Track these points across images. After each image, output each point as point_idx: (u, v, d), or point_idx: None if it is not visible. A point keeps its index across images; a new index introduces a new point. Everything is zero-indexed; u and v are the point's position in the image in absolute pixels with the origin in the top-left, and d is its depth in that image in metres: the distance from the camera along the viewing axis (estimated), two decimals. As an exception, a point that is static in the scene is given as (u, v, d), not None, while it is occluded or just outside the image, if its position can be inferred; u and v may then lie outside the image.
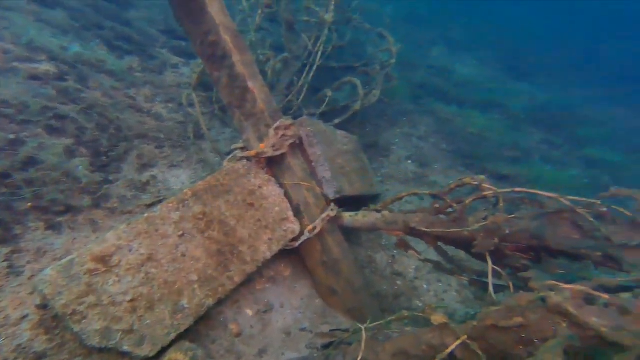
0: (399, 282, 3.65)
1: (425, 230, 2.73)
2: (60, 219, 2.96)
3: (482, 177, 2.54)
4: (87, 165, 3.42)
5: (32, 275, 2.44)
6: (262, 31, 6.52)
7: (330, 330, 2.72)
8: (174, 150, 4.25)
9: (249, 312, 2.84)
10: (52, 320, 2.20)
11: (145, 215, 2.59)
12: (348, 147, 4.12)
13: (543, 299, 1.65)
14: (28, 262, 2.54)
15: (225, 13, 3.16)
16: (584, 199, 2.19)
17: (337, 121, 4.87)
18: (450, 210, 2.83)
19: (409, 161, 5.45)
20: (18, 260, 2.51)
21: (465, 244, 2.65)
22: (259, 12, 4.50)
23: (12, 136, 3.21)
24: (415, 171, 5.24)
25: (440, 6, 16.06)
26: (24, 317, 2.19)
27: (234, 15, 7.58)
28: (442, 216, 2.84)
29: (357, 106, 4.80)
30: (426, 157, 5.57)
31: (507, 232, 2.41)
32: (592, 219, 2.07)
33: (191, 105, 4.51)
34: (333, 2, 4.62)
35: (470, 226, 2.47)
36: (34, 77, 3.89)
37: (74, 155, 3.44)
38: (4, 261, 2.45)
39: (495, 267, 2.42)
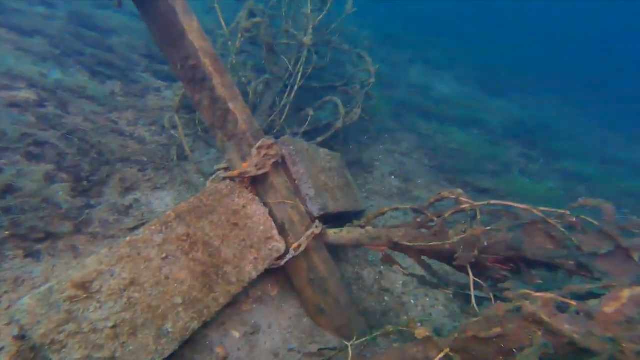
0: (386, 298, 3.67)
1: (408, 244, 2.78)
2: (39, 246, 2.90)
3: (460, 190, 2.63)
4: (67, 191, 3.38)
5: (9, 306, 2.37)
6: (243, 54, 6.66)
7: (319, 350, 2.70)
8: (157, 172, 4.23)
9: (236, 334, 2.80)
10: (30, 351, 2.14)
11: (128, 238, 2.57)
12: (331, 164, 4.19)
13: (519, 309, 1.70)
14: (5, 292, 2.47)
15: (205, 38, 3.24)
16: (555, 210, 2.29)
17: (319, 139, 4.96)
18: (431, 224, 2.90)
19: (393, 177, 5.55)
20: (-6, 290, 2.44)
21: (447, 257, 2.71)
22: (239, 36, 4.61)
23: (-11, 164, 3.17)
24: (399, 186, 5.34)
25: (416, 28, 16.72)
26: (0, 349, 2.11)
27: (215, 40, 7.74)
28: (424, 230, 2.90)
29: (339, 124, 4.91)
30: (409, 173, 5.68)
31: (486, 244, 2.48)
32: (563, 229, 2.16)
33: (174, 127, 4.53)
34: (311, 26, 4.77)
35: (451, 239, 2.53)
36: (13, 105, 3.86)
37: (54, 180, 3.40)
38: (-21, 292, 2.38)
39: (476, 279, 2.48)
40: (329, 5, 5.06)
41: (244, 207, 3.13)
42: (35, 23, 5.47)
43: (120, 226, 3.36)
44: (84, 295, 2.24)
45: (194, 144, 4.92)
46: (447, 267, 3.01)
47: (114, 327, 2.23)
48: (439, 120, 8.10)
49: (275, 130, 4.79)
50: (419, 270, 3.12)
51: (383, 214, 3.09)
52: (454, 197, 2.56)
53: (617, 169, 7.59)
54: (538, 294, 1.60)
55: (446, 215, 2.59)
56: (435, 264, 3.03)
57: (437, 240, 2.60)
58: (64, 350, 2.04)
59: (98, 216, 3.37)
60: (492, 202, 2.40)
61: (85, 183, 3.56)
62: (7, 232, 2.83)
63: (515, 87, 13.27)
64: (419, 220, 2.94)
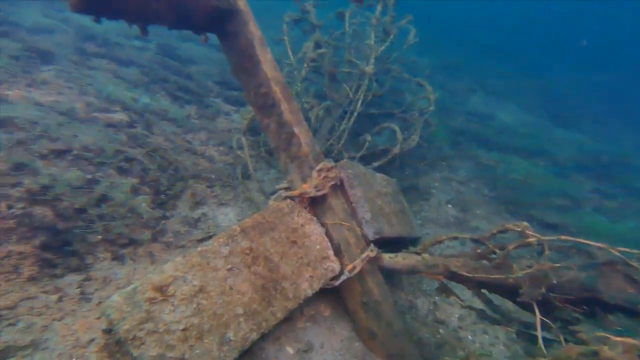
0: (441, 331, 3.54)
1: (467, 275, 2.71)
2: (123, 250, 3.26)
3: (525, 223, 2.54)
4: (148, 202, 3.79)
5: (99, 302, 2.69)
6: (306, 81, 7.05)
7: (370, 375, 2.68)
8: (223, 189, 4.57)
9: (290, 350, 2.88)
10: (114, 344, 2.39)
11: (199, 248, 2.81)
12: (387, 189, 4.23)
13: (595, 353, 1.60)
14: (96, 290, 2.81)
15: (276, 68, 3.53)
16: (637, 251, 2.12)
17: (376, 164, 5.04)
18: (492, 256, 2.80)
19: (449, 205, 5.42)
20: (88, 287, 2.79)
21: (510, 292, 2.59)
22: (305, 65, 4.93)
23: (89, 176, 3.67)
24: (456, 215, 5.19)
25: (477, 56, 16.42)
26: (91, 340, 2.40)
27: (281, 68, 8.29)
28: (484, 262, 2.81)
29: (396, 150, 4.96)
30: (467, 202, 5.51)
31: (555, 282, 2.35)
32: (646, 271, 2.00)
33: (240, 148, 4.89)
34: (373, 56, 4.96)
35: (515, 273, 2.43)
36: (110, 125, 4.46)
37: (138, 193, 3.83)
38: (77, 288, 2.74)
39: (543, 318, 2.34)
40: (392, 36, 5.23)
41: (302, 225, 3.27)
42: (131, 54, 6.32)
43: (189, 237, 3.67)
44: (161, 298, 2.48)
45: (256, 164, 5.25)
46: (509, 304, 2.87)
47: (184, 330, 2.42)
48: (500, 150, 7.78)
49: (333, 154, 4.96)
50: (478, 305, 3.00)
51: (441, 242, 3.05)
52: (519, 229, 2.47)
53: None
54: (619, 339, 1.50)
55: (510, 247, 2.50)
56: (496, 299, 2.90)
57: (500, 274, 2.51)
58: (142, 346, 2.26)
59: (171, 227, 3.71)
60: (563, 237, 2.28)
61: (162, 196, 3.96)
62: (99, 237, 3.23)
63: (587, 117, 12.36)
64: (479, 251, 2.86)
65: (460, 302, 2.87)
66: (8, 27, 5.58)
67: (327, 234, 3.33)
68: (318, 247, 3.21)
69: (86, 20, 6.91)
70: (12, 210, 2.96)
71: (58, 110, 4.20)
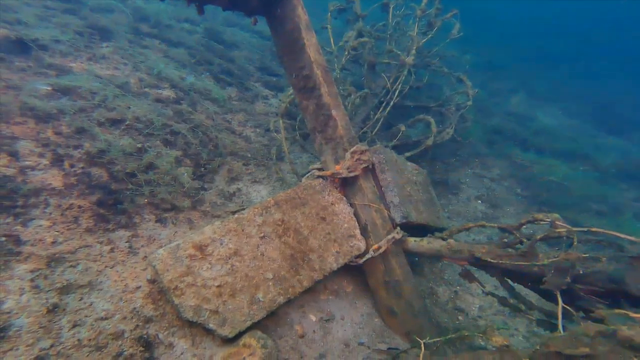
0: (460, 318, 3.60)
1: (492, 261, 2.75)
2: (166, 215, 3.54)
3: (556, 215, 2.55)
4: (189, 173, 4.06)
5: (145, 256, 2.96)
6: (344, 71, 7.14)
7: (388, 349, 2.80)
8: (258, 168, 4.79)
9: (313, 318, 3.05)
10: (158, 293, 2.66)
11: (236, 215, 3.03)
12: (417, 178, 4.29)
13: (614, 332, 1.64)
14: (142, 246, 3.10)
15: (320, 52, 3.67)
16: (671, 246, 2.10)
17: (408, 154, 5.08)
18: (519, 246, 2.83)
19: (479, 201, 5.38)
20: (135, 243, 3.07)
21: (534, 281, 2.62)
22: (346, 53, 5.03)
23: (139, 145, 3.98)
24: (485, 211, 5.16)
25: (523, 58, 15.79)
26: (138, 288, 2.67)
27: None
28: (510, 250, 2.84)
29: (429, 141, 4.98)
30: (498, 199, 5.44)
31: (581, 272, 2.37)
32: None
33: (277, 130, 5.09)
34: (415, 47, 4.98)
35: (541, 261, 2.46)
36: (159, 100, 4.78)
37: (181, 164, 4.11)
38: (126, 242, 3.03)
39: (566, 306, 2.36)
40: (435, 28, 5.22)
41: (332, 204, 3.42)
42: (180, 36, 6.67)
43: (225, 209, 3.91)
44: (200, 256, 2.72)
45: (290, 147, 5.44)
46: (531, 295, 2.89)
47: (219, 286, 2.65)
48: (538, 151, 7.57)
49: (366, 142, 5.06)
50: (500, 293, 3.04)
51: (468, 229, 3.10)
52: (548, 220, 2.49)
53: None
54: (638, 315, 1.54)
55: (538, 237, 2.53)
56: (520, 289, 2.93)
57: (525, 261, 2.54)
58: (182, 296, 2.50)
59: (209, 198, 3.97)
60: (594, 229, 2.29)
61: (202, 169, 4.22)
62: (146, 200, 3.52)
63: (636, 125, 11.66)
64: (505, 240, 2.90)
65: (482, 288, 2.92)
66: (74, 4, 6.04)
67: (356, 213, 3.46)
68: (346, 225, 3.35)
69: (141, 1, 7.34)
70: (74, 169, 3.30)
71: (114, 84, 4.55)
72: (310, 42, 3.59)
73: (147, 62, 5.46)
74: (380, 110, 5.17)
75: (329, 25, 5.28)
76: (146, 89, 4.88)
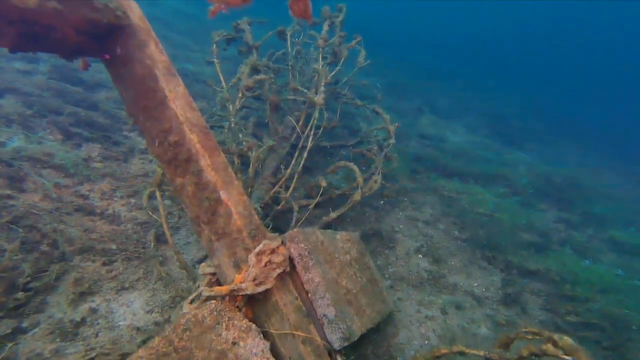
0: None
1: None
2: None
3: (570, 341, 1.69)
4: (-8, 310, 2.45)
5: None
6: (244, 109, 6.00)
7: None
8: (128, 264, 3.32)
9: None
10: None
11: None
12: (351, 254, 3.27)
13: None
14: None
15: (192, 107, 2.46)
16: None
17: (333, 215, 4.09)
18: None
19: (420, 255, 4.60)
20: None
21: None
22: (239, 95, 3.89)
23: None
24: (429, 269, 4.38)
25: (421, 74, 16.57)
26: None
27: (213, 97, 7.15)
28: (505, 390, 1.91)
29: (356, 196, 4.05)
30: (439, 249, 4.74)
31: None
32: None
33: (156, 208, 3.68)
34: (323, 83, 4.07)
35: None
36: (-54, 183, 3.04)
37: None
38: None
39: None
40: (342, 60, 4.40)
41: (234, 344, 2.16)
42: (8, 80, 4.82)
43: (59, 362, 2.38)
44: None
45: (179, 221, 4.05)
46: None
47: None
48: (460, 178, 7.30)
49: (280, 206, 3.93)
50: None
51: (438, 357, 2.12)
52: (568, 359, 1.61)
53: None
54: None
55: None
56: None
57: None
58: None
59: (28, 348, 2.39)
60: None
61: (20, 294, 2.62)
62: None
63: (527, 134, 12.69)
64: (495, 369, 1.97)
65: None
66: None
67: (274, 350, 2.25)
68: (259, 376, 2.12)
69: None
70: None
71: None
72: (175, 93, 2.37)
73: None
74: (293, 162, 4.11)
75: (215, 59, 4.10)
76: None
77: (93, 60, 2.58)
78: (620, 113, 21.60)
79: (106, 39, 2.41)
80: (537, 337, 1.92)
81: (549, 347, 1.69)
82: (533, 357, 1.77)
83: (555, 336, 1.76)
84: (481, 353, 1.95)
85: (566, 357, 1.62)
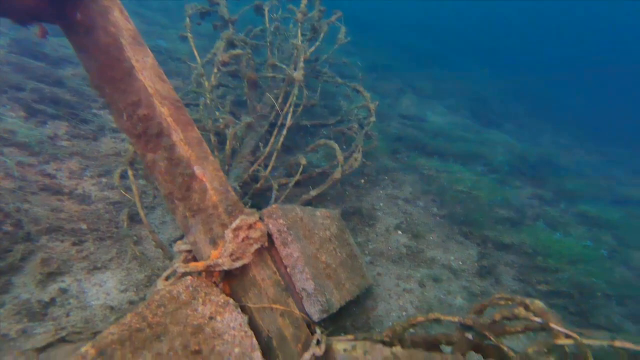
0: None
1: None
2: None
3: (540, 304, 1.73)
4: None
5: None
6: (221, 88, 5.81)
7: None
8: (100, 244, 3.20)
9: None
10: None
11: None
12: (331, 230, 3.27)
13: None
14: None
15: (163, 78, 2.34)
16: None
17: (314, 193, 4.06)
18: (488, 342, 1.98)
19: (399, 232, 4.66)
20: None
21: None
22: (215, 70, 3.73)
23: None
24: (408, 244, 4.44)
25: (402, 56, 16.49)
26: None
27: (188, 74, 6.87)
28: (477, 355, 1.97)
29: (337, 174, 4.02)
30: (418, 226, 4.81)
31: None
32: None
33: (128, 187, 3.54)
34: (302, 58, 3.96)
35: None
36: None
37: None
38: None
39: None
40: (322, 35, 4.28)
41: (210, 318, 2.12)
42: (-38, 52, 4.49)
43: (25, 344, 2.29)
44: None
45: (154, 200, 3.93)
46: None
47: None
48: (440, 157, 7.38)
49: (259, 185, 3.86)
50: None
51: (414, 325, 2.15)
52: (538, 320, 1.65)
53: (635, 209, 6.96)
54: None
55: (530, 350, 1.67)
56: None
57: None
58: None
59: (-5, 329, 2.29)
60: (617, 343, 1.50)
61: (-17, 277, 2.50)
62: None
63: (506, 116, 12.92)
64: (469, 336, 2.02)
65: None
66: None
67: (252, 323, 2.23)
68: (237, 350, 2.10)
69: None
70: None
71: None
72: (143, 63, 2.24)
73: None
74: (272, 139, 4.02)
75: (189, 33, 3.91)
76: None
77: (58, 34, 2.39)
78: (592, 98, 22.29)
79: (64, 3, 2.23)
80: (510, 303, 1.97)
81: (521, 311, 1.74)
82: (505, 321, 1.81)
83: (527, 300, 1.81)
84: (456, 319, 1.99)
85: (536, 318, 1.66)
